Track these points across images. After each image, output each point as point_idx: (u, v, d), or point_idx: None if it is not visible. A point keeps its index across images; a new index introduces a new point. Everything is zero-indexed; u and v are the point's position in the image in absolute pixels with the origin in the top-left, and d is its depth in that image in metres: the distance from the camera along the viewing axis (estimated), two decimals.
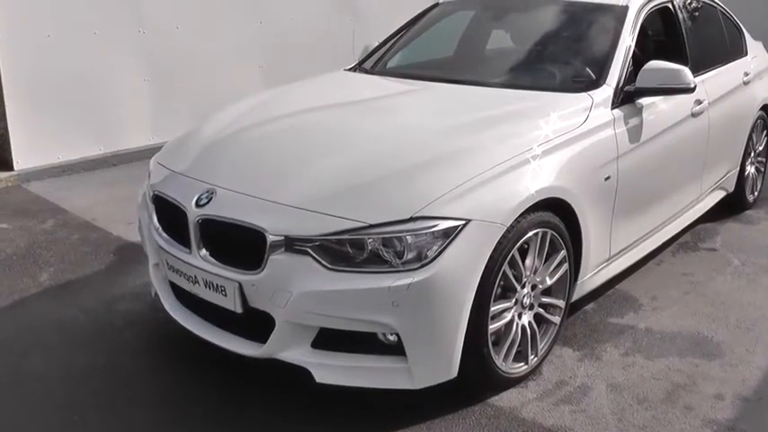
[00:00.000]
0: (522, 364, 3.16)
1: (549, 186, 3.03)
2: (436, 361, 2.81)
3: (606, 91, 3.56)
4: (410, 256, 2.70)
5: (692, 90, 3.64)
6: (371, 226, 2.73)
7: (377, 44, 4.56)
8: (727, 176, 4.78)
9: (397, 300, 2.70)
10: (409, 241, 2.70)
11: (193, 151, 3.45)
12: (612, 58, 3.67)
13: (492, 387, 3.08)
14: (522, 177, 2.97)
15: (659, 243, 4.06)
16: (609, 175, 3.40)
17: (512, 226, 2.89)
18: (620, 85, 3.60)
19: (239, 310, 2.93)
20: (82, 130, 6.15)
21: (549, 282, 3.20)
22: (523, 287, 3.08)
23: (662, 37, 4.33)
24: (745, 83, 4.81)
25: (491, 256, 2.82)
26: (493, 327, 2.94)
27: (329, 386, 2.83)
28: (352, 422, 2.92)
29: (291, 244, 2.78)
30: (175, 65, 6.67)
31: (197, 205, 3.03)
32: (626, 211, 3.60)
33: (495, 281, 2.87)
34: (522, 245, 2.98)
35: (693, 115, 4.08)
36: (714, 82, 4.40)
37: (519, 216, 2.91)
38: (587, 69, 3.72)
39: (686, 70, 3.60)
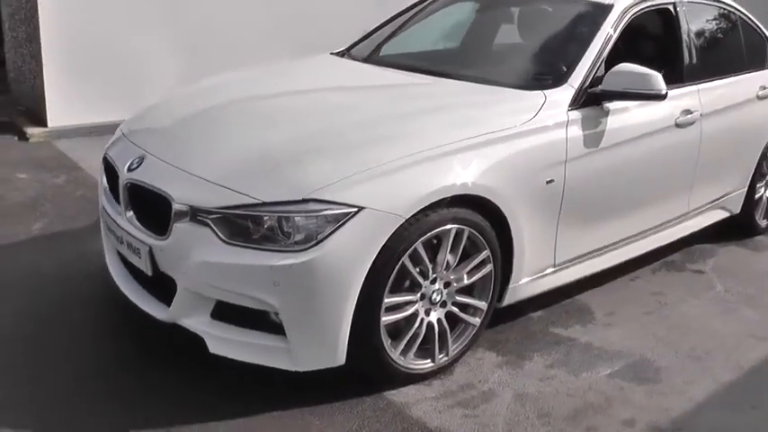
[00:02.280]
0: (429, 361, 3.08)
1: (467, 183, 2.93)
2: (319, 345, 2.78)
3: (566, 91, 3.39)
4: (299, 237, 2.69)
5: (661, 97, 3.42)
6: (265, 204, 2.72)
7: (370, 30, 4.53)
8: (730, 197, 4.46)
9: (278, 279, 2.69)
10: (298, 222, 2.69)
11: (146, 119, 3.57)
12: (581, 57, 3.49)
13: (389, 380, 3.01)
14: (437, 170, 2.88)
15: (624, 258, 3.84)
16: (552, 179, 3.25)
17: (415, 219, 2.81)
18: (585, 85, 3.42)
19: (149, 272, 3.01)
20: (113, 97, 6.39)
21: (465, 281, 3.10)
22: (433, 282, 3.00)
23: (655, 41, 4.09)
24: (760, 97, 4.46)
25: (387, 246, 2.76)
26: (388, 319, 2.88)
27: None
28: (238, 394, 2.93)
29: (195, 214, 2.81)
30: (210, 39, 6.83)
31: (128, 169, 3.13)
32: (576, 219, 3.44)
33: (391, 272, 2.80)
34: (430, 239, 2.91)
35: (679, 126, 3.83)
36: (714, 93, 4.11)
37: (425, 209, 2.83)
38: (554, 67, 3.56)
39: (657, 76, 3.39)
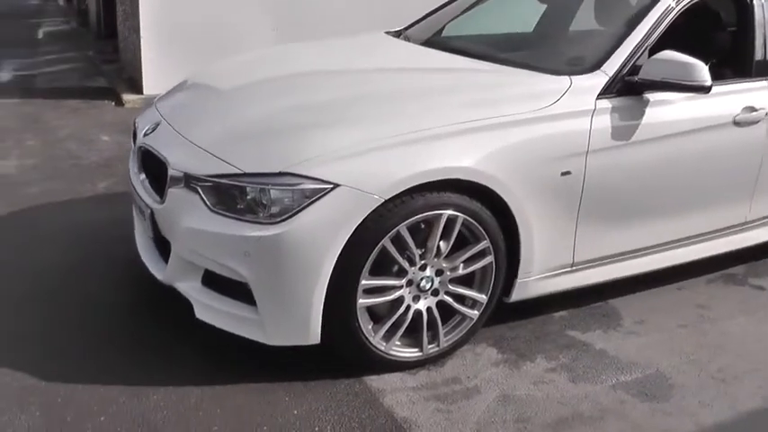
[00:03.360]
0: (417, 350, 2.97)
1: (461, 167, 2.79)
2: (289, 321, 2.74)
3: (597, 78, 3.14)
4: (274, 210, 2.66)
5: (704, 90, 3.09)
6: (245, 174, 2.72)
7: (430, 10, 4.41)
8: None
9: (249, 250, 2.68)
10: (273, 195, 2.66)
11: (176, 91, 3.66)
12: (622, 43, 3.22)
13: (369, 365, 2.93)
14: (425, 152, 2.76)
15: (659, 266, 3.50)
16: (569, 170, 3.02)
17: (400, 200, 2.71)
18: (622, 73, 3.15)
19: (150, 234, 3.10)
20: None
21: (461, 270, 2.96)
22: (423, 269, 2.88)
23: (721, 29, 3.69)
24: None
25: (365, 227, 2.67)
26: (367, 301, 2.80)
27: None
28: (221, 362, 2.96)
29: (188, 180, 2.85)
30: (304, 17, 6.92)
31: (144, 134, 3.24)
32: (600, 217, 3.19)
33: (369, 254, 2.72)
34: (416, 224, 2.80)
35: (738, 124, 3.45)
36: None
37: (410, 192, 2.72)
38: (592, 52, 3.30)
39: (700, 66, 3.06)
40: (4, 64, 8.05)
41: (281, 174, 2.66)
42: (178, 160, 2.94)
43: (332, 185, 2.63)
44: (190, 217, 2.83)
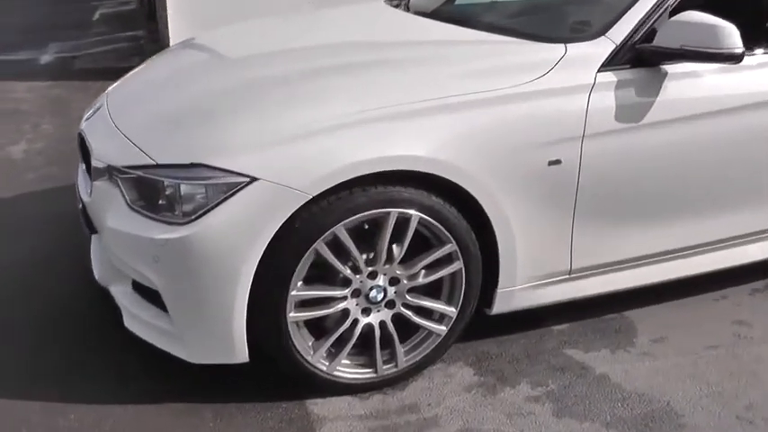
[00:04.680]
0: (369, 371, 2.53)
1: (411, 156, 2.30)
2: (208, 337, 2.35)
3: (599, 46, 2.57)
4: (187, 208, 2.26)
5: (735, 59, 2.47)
6: (158, 166, 2.33)
7: None
8: None
9: (158, 254, 2.30)
10: (182, 191, 2.26)
11: (132, 73, 3.30)
12: (633, 4, 2.63)
13: (317, 388, 2.51)
14: (368, 138, 2.29)
15: (679, 274, 2.88)
16: (558, 159, 2.49)
17: (335, 197, 2.26)
18: (631, 40, 2.57)
19: (85, 230, 2.78)
20: None
21: (421, 279, 2.49)
22: (373, 277, 2.43)
23: None
24: None
25: (293, 228, 2.24)
26: (299, 315, 2.38)
27: None
28: (152, 374, 2.61)
29: (111, 173, 2.51)
30: None
31: (85, 119, 2.92)
32: (603, 216, 2.64)
33: (299, 260, 2.29)
34: (359, 225, 2.34)
35: None
36: None
37: (347, 186, 2.26)
38: (596, 16, 2.72)
39: (729, 29, 2.44)
40: (50, 46, 8.00)
41: (192, 165, 2.26)
42: (102, 149, 2.60)
43: (248, 179, 2.21)
44: (111, 214, 2.48)
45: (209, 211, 2.21)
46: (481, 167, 2.39)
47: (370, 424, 2.41)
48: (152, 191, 2.34)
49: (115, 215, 2.45)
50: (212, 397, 2.52)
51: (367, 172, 2.25)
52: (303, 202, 2.21)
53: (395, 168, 2.28)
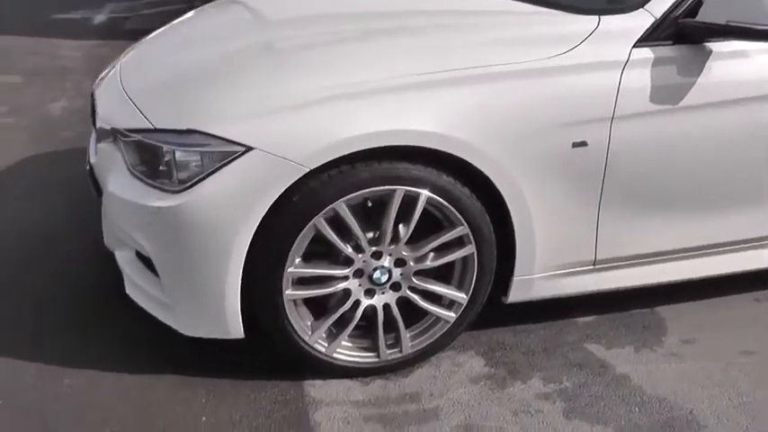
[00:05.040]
0: (372, 355, 2.41)
1: (419, 131, 2.14)
2: (201, 310, 2.25)
3: (637, 19, 2.34)
4: (182, 175, 2.16)
5: None
6: (156, 130, 2.23)
7: None
8: None
9: (151, 222, 2.22)
10: (178, 158, 2.16)
11: (153, 35, 3.19)
12: None
13: (315, 370, 2.41)
14: (373, 109, 2.13)
15: (715, 272, 2.65)
16: (584, 141, 2.29)
17: (337, 171, 2.13)
18: (673, 13, 2.34)
19: (93, 192, 2.71)
20: None
21: (429, 262, 2.34)
22: (378, 257, 2.29)
23: None
24: None
25: (290, 203, 2.12)
26: (296, 293, 2.26)
27: None
28: (155, 344, 2.54)
29: (114, 135, 2.43)
30: None
31: (99, 80, 2.85)
32: (633, 205, 2.43)
33: (296, 235, 2.16)
34: (363, 201, 2.21)
35: None
36: None
37: (350, 160, 2.12)
38: None
39: None
40: (106, 6, 8.02)
41: (188, 131, 2.15)
42: (107, 111, 2.53)
43: (243, 148, 2.09)
44: (112, 177, 2.40)
45: (202, 180, 2.11)
46: (498, 146, 2.22)
47: (367, 411, 2.29)
48: (151, 156, 2.24)
49: (115, 179, 2.37)
50: (209, 372, 2.44)
51: (369, 146, 2.10)
52: (300, 176, 2.09)
53: (401, 144, 2.13)
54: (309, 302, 2.35)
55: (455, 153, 2.18)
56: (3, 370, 2.44)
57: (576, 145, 2.29)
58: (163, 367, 2.46)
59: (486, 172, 2.22)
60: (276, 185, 2.09)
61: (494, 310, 2.55)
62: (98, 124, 2.51)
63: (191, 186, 2.12)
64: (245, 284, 2.19)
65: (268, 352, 2.44)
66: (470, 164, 2.20)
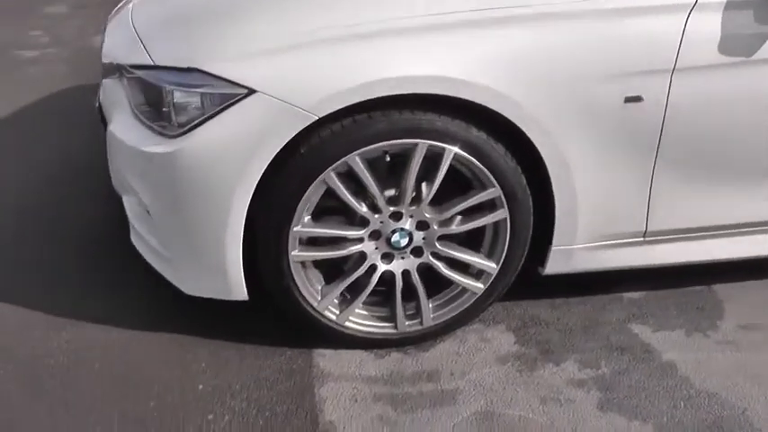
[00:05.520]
0: (389, 326, 2.19)
1: (444, 77, 1.86)
2: (201, 268, 2.06)
3: None
4: (181, 119, 1.94)
5: None
6: (157, 67, 2.02)
7: None
8: None
9: (146, 169, 2.02)
10: (176, 99, 1.94)
11: None
12: None
13: (325, 338, 2.20)
14: (392, 51, 1.86)
15: None
16: (638, 95, 1.98)
17: (350, 120, 1.88)
18: None
19: (103, 124, 2.55)
20: None
21: (455, 227, 2.09)
22: (397, 219, 2.05)
23: None
24: None
25: (297, 154, 1.89)
26: (305, 255, 2.04)
27: None
28: (169, 302, 2.38)
29: (120, 71, 2.23)
30: None
31: (115, 12, 2.66)
32: (693, 170, 2.12)
33: (304, 191, 1.93)
34: (380, 155, 1.96)
35: None
36: None
37: (365, 108, 1.87)
38: None
39: None
40: None
41: (189, 70, 1.93)
42: (112, 45, 2.33)
43: (245, 91, 1.85)
44: (115, 116, 2.22)
45: (200, 124, 1.89)
46: (537, 98, 1.93)
47: (378, 389, 2.07)
48: (154, 96, 2.03)
49: (117, 119, 2.19)
50: (213, 333, 2.26)
51: (387, 94, 1.84)
52: (308, 124, 1.85)
53: (424, 92, 1.86)
54: (323, 265, 2.14)
55: (487, 104, 1.90)
56: (7, 319, 2.32)
57: (628, 100, 1.98)
58: (165, 325, 2.30)
59: (523, 127, 1.94)
60: (281, 134, 1.85)
61: (532, 280, 2.29)
62: (103, 59, 2.31)
63: (188, 131, 1.90)
64: (248, 242, 1.99)
65: (278, 316, 2.24)
66: (504, 117, 1.93)
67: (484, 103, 1.90)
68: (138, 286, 2.44)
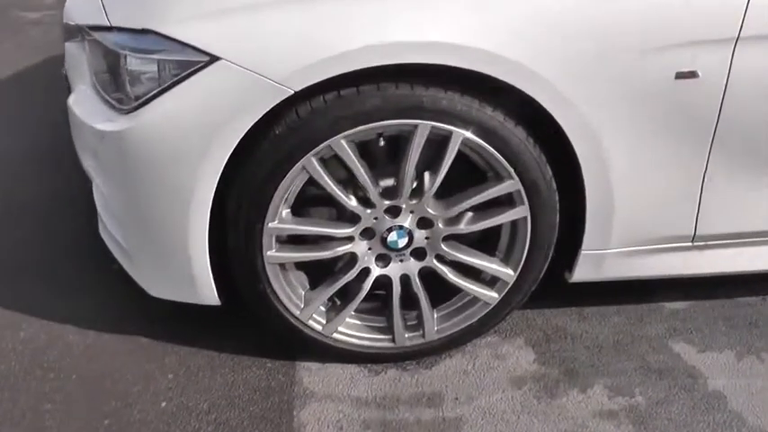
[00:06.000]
0: (386, 338, 1.86)
1: (455, 45, 1.51)
2: (163, 268, 1.76)
3: None
4: (136, 90, 1.63)
5: None
6: (113, 29, 1.70)
7: None
8: None
9: (98, 150, 1.71)
10: (130, 65, 1.62)
11: None
12: None
13: (310, 352, 1.89)
14: (387, 12, 1.51)
15: None
16: (693, 70, 1.61)
17: (335, 96, 1.55)
18: None
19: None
20: None
21: (463, 225, 1.75)
22: (394, 214, 1.72)
23: None
24: None
25: (272, 135, 1.57)
26: (283, 256, 1.72)
27: None
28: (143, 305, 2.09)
29: (81, 33, 1.92)
30: None
31: None
32: (752, 163, 1.75)
33: (280, 179, 1.61)
34: (373, 138, 1.63)
35: None
36: None
37: (353, 82, 1.53)
38: None
39: None
40: None
41: (144, 32, 1.60)
42: (73, 4, 2.01)
43: (206, 58, 1.53)
44: (77, 85, 1.91)
45: (155, 97, 1.57)
46: (566, 72, 1.57)
47: (368, 414, 1.76)
48: (111, 63, 1.71)
49: (78, 89, 1.89)
50: (188, 338, 1.97)
51: (380, 64, 1.50)
52: (282, 100, 1.52)
53: (426, 62, 1.52)
54: (308, 266, 1.82)
55: (507, 80, 1.55)
56: None
57: (681, 76, 1.61)
58: (133, 328, 2.01)
59: (550, 107, 1.59)
60: (249, 111, 1.52)
61: (558, 284, 1.94)
62: (65, 19, 2.00)
63: (142, 105, 1.59)
64: (216, 240, 1.68)
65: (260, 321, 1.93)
66: (525, 93, 1.58)
67: (504, 79, 1.55)
68: (109, 285, 2.15)
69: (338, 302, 1.85)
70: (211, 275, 1.72)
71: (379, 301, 1.87)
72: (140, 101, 1.59)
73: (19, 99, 3.34)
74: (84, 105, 1.79)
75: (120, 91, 1.66)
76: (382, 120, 1.56)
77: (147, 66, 1.59)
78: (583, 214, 1.76)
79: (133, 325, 2.01)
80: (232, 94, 1.52)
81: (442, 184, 1.67)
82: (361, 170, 1.62)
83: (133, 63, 1.60)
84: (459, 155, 1.64)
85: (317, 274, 1.83)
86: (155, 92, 1.56)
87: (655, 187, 1.75)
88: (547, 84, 1.57)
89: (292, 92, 1.50)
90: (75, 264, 2.25)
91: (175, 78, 1.54)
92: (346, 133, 1.56)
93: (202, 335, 1.97)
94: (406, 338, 1.86)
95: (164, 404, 1.79)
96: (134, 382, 1.85)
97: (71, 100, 1.88)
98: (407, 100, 1.56)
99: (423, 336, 1.86)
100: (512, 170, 1.66)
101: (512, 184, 1.68)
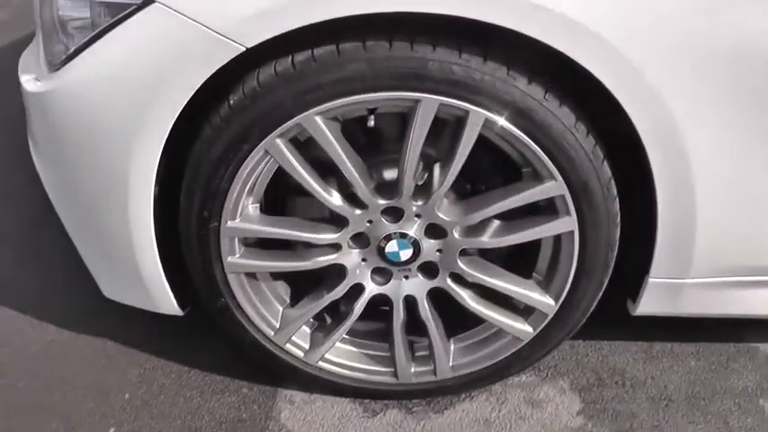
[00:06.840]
0: (387, 371, 1.46)
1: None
2: (111, 268, 1.42)
3: None
4: (70, 42, 1.27)
5: None
6: None
7: None
8: None
9: (29, 116, 1.39)
10: (61, 10, 1.27)
11: None
12: None
13: (295, 381, 1.51)
14: None
15: None
16: None
17: (305, 57, 1.14)
18: None
19: None
20: None
21: (487, 238, 1.31)
22: (395, 217, 1.30)
23: None
24: None
25: (228, 107, 1.18)
26: (249, 264, 1.34)
27: None
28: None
29: None
30: None
31: None
32: None
33: (238, 165, 1.21)
34: (363, 113, 1.22)
35: None
36: None
37: (330, 39, 1.13)
38: None
39: None
40: None
41: None
42: None
43: (138, 1, 1.15)
44: (34, 40, 1.59)
45: (82, 50, 1.21)
46: (638, 37, 1.11)
47: None
48: (47, 11, 1.37)
49: (32, 43, 1.57)
50: (156, 347, 1.64)
51: (364, 12, 1.08)
52: (231, 58, 1.12)
53: (433, 11, 1.09)
54: (293, 276, 1.44)
55: (551, 43, 1.10)
56: None
57: None
58: (103, 328, 1.69)
59: (610, 83, 1.13)
60: (192, 72, 1.14)
61: (619, 311, 1.49)
62: None
63: (67, 61, 1.23)
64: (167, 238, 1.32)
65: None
66: (577, 64, 1.12)
67: (545, 40, 1.10)
68: (68, 284, 1.83)
69: (328, 320, 1.46)
70: (165, 280, 1.36)
71: (382, 322, 1.47)
72: (67, 54, 1.23)
73: None
74: (25, 61, 1.47)
75: (60, 44, 1.32)
76: (369, 91, 1.15)
77: (78, 11, 1.23)
78: (653, 229, 1.29)
79: (103, 323, 1.70)
80: (170, 49, 1.14)
81: (459, 180, 1.24)
82: (343, 157, 1.21)
83: (63, 6, 1.25)
84: (483, 142, 1.21)
85: (303, 284, 1.44)
86: (81, 42, 1.21)
87: (753, 197, 1.27)
88: (608, 48, 1.11)
89: (243, 48, 1.11)
90: (42, 259, 1.93)
91: (104, 27, 1.18)
92: (320, 108, 1.16)
93: (178, 343, 1.64)
94: (413, 374, 1.45)
95: (111, 430, 1.47)
96: (85, 398, 1.54)
97: (21, 57, 1.56)
98: (405, 65, 1.13)
99: (434, 372, 1.45)
100: (554, 168, 1.21)
101: (553, 187, 1.23)
